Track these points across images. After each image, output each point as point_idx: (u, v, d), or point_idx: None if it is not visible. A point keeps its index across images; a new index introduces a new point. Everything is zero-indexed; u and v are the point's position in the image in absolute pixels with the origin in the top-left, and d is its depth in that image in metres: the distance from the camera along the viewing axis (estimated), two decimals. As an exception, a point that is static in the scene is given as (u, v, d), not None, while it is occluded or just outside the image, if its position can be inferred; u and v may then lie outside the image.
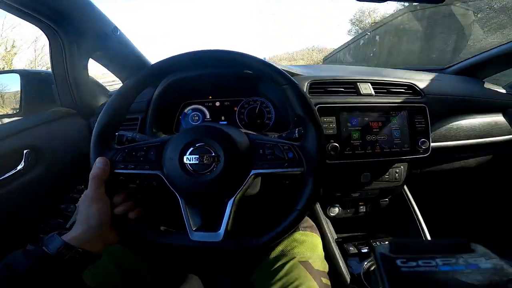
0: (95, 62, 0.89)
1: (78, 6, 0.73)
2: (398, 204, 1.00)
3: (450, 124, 0.94)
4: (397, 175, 0.92)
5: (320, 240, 0.73)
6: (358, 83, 0.87)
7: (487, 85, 1.13)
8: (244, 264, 0.72)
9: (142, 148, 0.52)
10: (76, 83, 0.82)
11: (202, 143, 0.50)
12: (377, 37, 7.74)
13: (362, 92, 0.85)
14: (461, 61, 1.22)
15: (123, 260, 0.61)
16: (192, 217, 0.51)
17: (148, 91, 0.85)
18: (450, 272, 0.23)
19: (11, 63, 8.36)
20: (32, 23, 0.72)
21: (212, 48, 0.55)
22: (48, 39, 0.77)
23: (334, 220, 0.99)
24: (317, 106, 0.80)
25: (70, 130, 0.84)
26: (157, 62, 0.56)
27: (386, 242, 0.29)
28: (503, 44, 1.07)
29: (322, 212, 0.95)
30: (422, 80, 0.95)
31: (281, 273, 0.61)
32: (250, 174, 0.50)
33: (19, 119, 0.80)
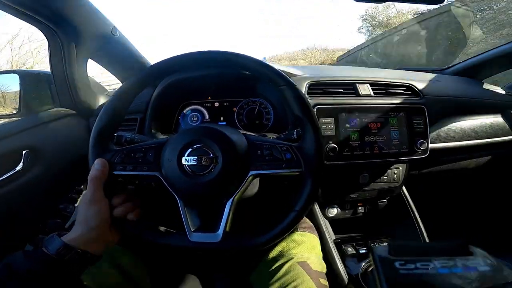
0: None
1: (77, 6, 0.73)
2: (397, 205, 1.00)
3: (449, 125, 0.95)
4: (395, 176, 0.93)
5: (319, 241, 0.74)
6: (357, 84, 0.87)
7: (486, 86, 1.13)
8: (242, 265, 0.72)
9: (141, 149, 0.53)
10: (75, 83, 0.82)
11: (200, 144, 0.50)
12: (424, 32, 5.76)
13: (361, 93, 0.86)
14: (460, 62, 1.22)
15: (122, 260, 0.62)
16: (190, 218, 0.51)
17: (147, 92, 0.85)
18: (448, 275, 0.23)
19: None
20: (31, 24, 0.72)
21: (211, 49, 0.56)
22: (47, 39, 0.77)
23: (332, 221, 0.99)
24: (315, 107, 0.80)
25: (69, 131, 0.84)
26: (157, 63, 0.56)
27: (385, 244, 0.29)
28: (502, 45, 1.08)
29: (320, 213, 0.95)
30: (421, 81, 0.96)
31: (279, 274, 0.61)
32: (248, 175, 0.50)
33: (18, 120, 0.80)
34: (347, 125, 0.82)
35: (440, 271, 0.24)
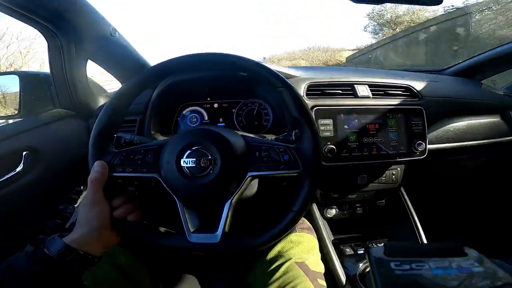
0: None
1: (76, 8, 0.73)
2: (395, 205, 1.01)
3: (447, 126, 0.95)
4: (393, 177, 0.93)
5: (317, 241, 0.74)
6: (355, 85, 0.87)
7: (485, 87, 1.13)
8: (241, 265, 0.73)
9: (140, 151, 0.53)
10: (75, 84, 0.82)
11: (198, 146, 0.51)
12: (462, 30, 4.84)
13: (359, 94, 0.86)
14: (459, 63, 1.22)
15: (122, 261, 0.62)
16: (190, 219, 0.52)
17: (146, 93, 0.85)
18: (442, 276, 0.24)
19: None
20: (31, 25, 0.72)
21: (210, 51, 0.56)
22: (47, 40, 0.77)
23: (330, 222, 0.99)
24: (314, 108, 0.80)
25: (69, 131, 0.84)
26: (157, 64, 0.57)
27: (381, 245, 0.30)
28: (501, 46, 1.08)
29: (319, 214, 0.96)
30: (419, 82, 0.96)
31: (277, 274, 0.61)
32: (247, 177, 0.51)
33: (18, 121, 0.81)
34: (346, 126, 0.82)
35: (434, 272, 0.24)
